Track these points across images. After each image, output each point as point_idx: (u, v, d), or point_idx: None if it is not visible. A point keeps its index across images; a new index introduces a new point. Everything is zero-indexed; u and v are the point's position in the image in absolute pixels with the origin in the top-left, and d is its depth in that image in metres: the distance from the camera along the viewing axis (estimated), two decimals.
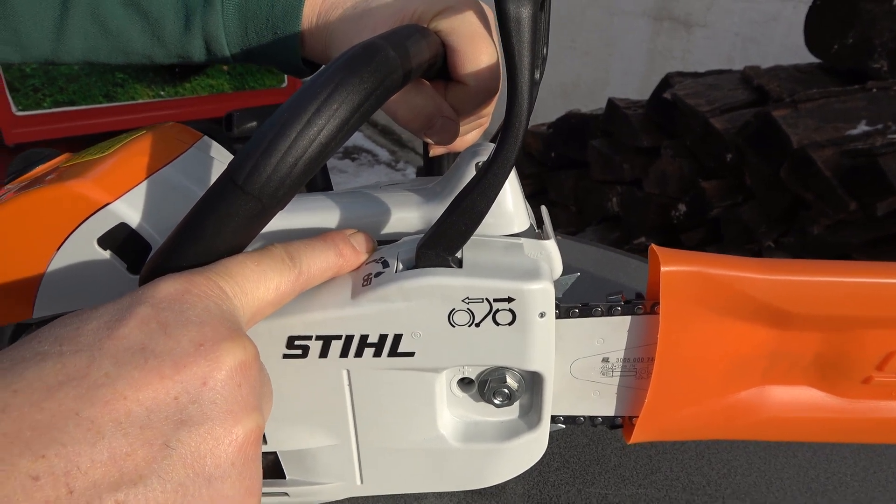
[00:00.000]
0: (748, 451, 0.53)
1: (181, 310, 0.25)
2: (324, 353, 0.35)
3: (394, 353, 0.35)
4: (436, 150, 0.53)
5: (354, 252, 0.35)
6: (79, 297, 0.36)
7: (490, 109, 0.48)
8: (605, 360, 0.40)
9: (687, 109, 2.02)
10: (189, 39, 0.48)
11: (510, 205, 0.38)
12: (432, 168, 0.58)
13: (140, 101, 3.12)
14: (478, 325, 0.34)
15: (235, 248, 0.30)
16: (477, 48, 0.42)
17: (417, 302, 0.34)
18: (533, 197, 2.42)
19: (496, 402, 0.38)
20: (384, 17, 0.43)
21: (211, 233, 0.29)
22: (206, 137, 0.44)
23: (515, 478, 0.43)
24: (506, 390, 0.38)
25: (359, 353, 0.35)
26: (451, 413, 0.40)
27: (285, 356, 0.35)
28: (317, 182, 0.60)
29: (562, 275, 0.40)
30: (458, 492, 0.47)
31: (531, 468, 0.42)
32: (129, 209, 0.35)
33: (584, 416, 0.42)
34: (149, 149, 0.38)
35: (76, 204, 0.34)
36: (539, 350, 0.36)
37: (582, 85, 3.66)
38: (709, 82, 2.14)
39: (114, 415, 0.22)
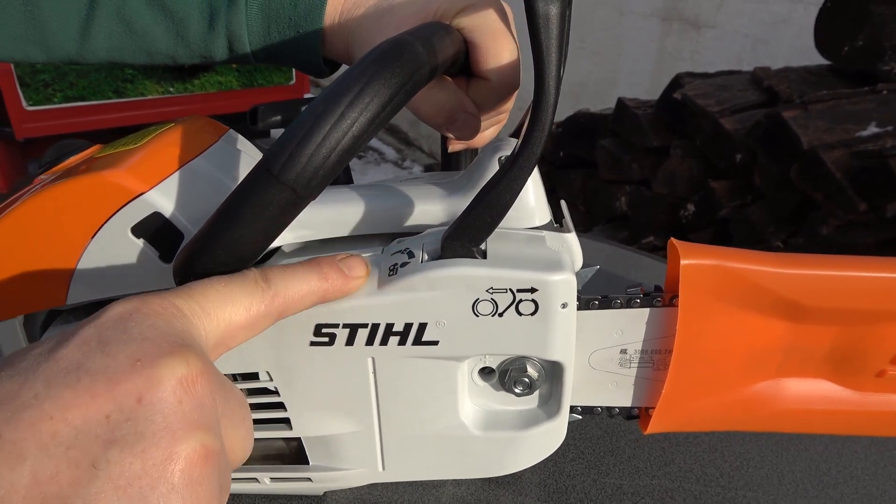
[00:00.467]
0: (760, 443, 0.53)
1: (125, 328, 0.24)
2: (350, 341, 0.36)
3: (418, 341, 0.36)
4: (454, 146, 0.54)
5: (341, 275, 0.33)
6: (112, 284, 0.37)
7: (509, 105, 0.49)
8: (624, 351, 0.40)
9: (697, 110, 2.03)
10: (213, 39, 0.49)
11: (532, 198, 0.39)
12: (450, 164, 0.59)
13: (149, 97, 3.13)
14: (501, 314, 0.35)
15: (269, 237, 0.31)
16: (499, 44, 0.43)
17: (443, 291, 0.35)
18: None
19: (517, 391, 0.39)
20: (407, 15, 0.44)
21: (246, 221, 0.30)
22: (232, 131, 0.45)
23: (531, 468, 0.44)
24: (526, 380, 0.39)
25: (384, 342, 0.36)
26: (473, 402, 0.41)
27: (312, 343, 0.36)
28: (339, 176, 0.61)
29: (581, 267, 0.40)
30: (475, 481, 0.48)
31: (546, 459, 0.43)
32: (163, 198, 0.36)
33: (601, 407, 0.43)
34: (179, 140, 0.39)
35: (111, 193, 0.35)
36: (560, 340, 0.37)
37: (591, 85, 3.66)
38: (719, 83, 2.14)
39: (38, 436, 0.21)
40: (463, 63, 0.44)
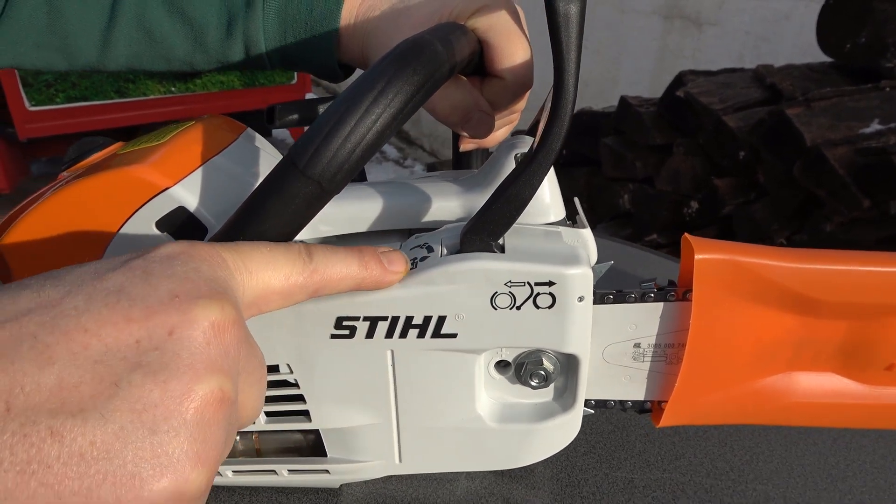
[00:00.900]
0: (770, 437, 0.54)
1: (170, 265, 0.25)
2: (370, 334, 0.37)
3: (437, 334, 0.37)
4: (467, 145, 0.54)
5: (381, 267, 0.33)
6: None
7: (522, 105, 0.50)
8: (637, 345, 0.41)
9: (700, 107, 2.03)
10: (230, 45, 0.49)
11: (548, 195, 0.40)
12: (461, 162, 0.60)
13: (151, 97, 3.14)
14: (519, 307, 0.36)
15: (293, 231, 0.32)
16: (513, 44, 0.43)
17: (462, 285, 0.35)
18: None
19: (532, 384, 0.40)
20: (423, 17, 0.45)
21: (271, 214, 0.30)
22: (249, 129, 0.45)
23: (543, 462, 0.45)
24: (542, 372, 0.39)
25: (403, 334, 0.37)
26: (489, 395, 0.42)
27: (333, 336, 0.37)
28: None
29: (595, 263, 0.41)
30: (488, 475, 0.49)
31: (558, 453, 0.43)
32: (187, 193, 0.37)
33: (614, 401, 0.43)
34: (201, 138, 0.40)
35: (137, 188, 0.36)
36: (576, 333, 0.37)
37: (592, 83, 3.66)
38: (721, 80, 2.15)
39: (70, 345, 0.21)
40: (478, 63, 0.45)
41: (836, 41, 2.03)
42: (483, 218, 0.35)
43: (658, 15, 3.40)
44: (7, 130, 2.97)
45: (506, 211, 0.34)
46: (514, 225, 0.35)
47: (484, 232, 0.35)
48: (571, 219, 0.42)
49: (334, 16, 0.47)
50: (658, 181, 2.20)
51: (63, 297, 0.23)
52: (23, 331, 0.21)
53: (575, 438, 0.43)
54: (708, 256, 0.37)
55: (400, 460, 0.43)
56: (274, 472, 0.44)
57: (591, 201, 2.50)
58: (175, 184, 0.36)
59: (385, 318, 0.36)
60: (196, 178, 0.37)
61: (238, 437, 0.44)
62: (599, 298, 0.40)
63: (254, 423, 0.41)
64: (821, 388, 0.43)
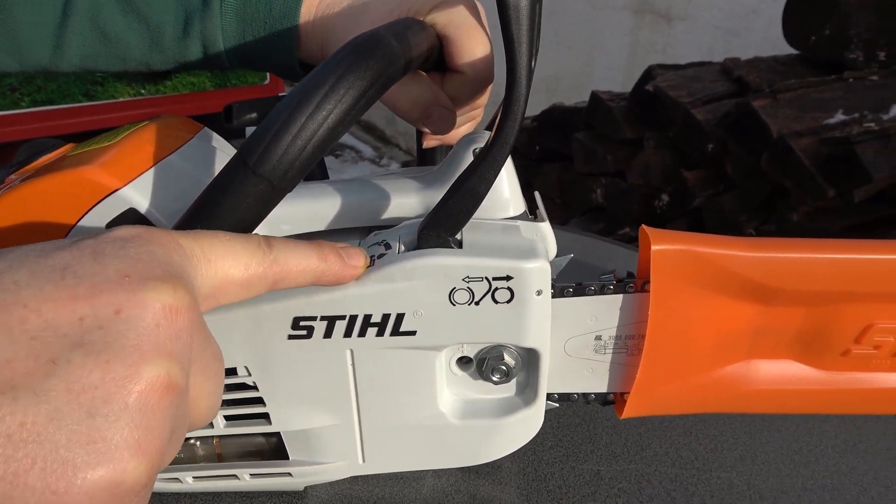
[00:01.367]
0: (734, 426, 0.55)
1: (123, 246, 0.24)
2: (328, 334, 0.36)
3: (396, 332, 0.36)
4: (430, 142, 0.54)
5: (340, 261, 0.33)
6: None
7: (484, 100, 0.50)
8: (598, 337, 0.41)
9: (668, 101, 2.05)
10: (187, 45, 0.48)
11: (506, 189, 0.39)
12: (425, 159, 0.60)
13: (121, 99, 3.08)
14: (477, 303, 0.36)
15: (246, 228, 0.31)
16: (472, 38, 0.43)
17: (420, 281, 0.35)
18: None
19: (494, 379, 0.40)
20: (382, 13, 0.44)
21: (222, 213, 0.30)
22: (206, 129, 0.45)
23: (510, 457, 0.45)
24: (503, 367, 0.39)
25: (362, 333, 0.36)
26: (451, 391, 0.42)
27: (290, 337, 0.37)
28: (314, 172, 0.61)
29: (555, 257, 0.41)
30: (454, 472, 0.49)
31: (525, 447, 0.43)
32: (138, 195, 0.36)
33: (577, 394, 0.44)
34: (154, 138, 0.39)
35: (86, 189, 0.35)
36: (536, 327, 0.37)
37: (565, 78, 3.68)
38: (690, 74, 2.17)
39: (5, 319, 0.20)
40: (437, 58, 0.44)
41: (802, 34, 2.06)
42: (440, 213, 0.35)
43: (629, 10, 3.42)
44: None
45: (462, 206, 0.34)
46: (472, 220, 0.35)
47: (441, 227, 0.35)
48: (533, 213, 0.42)
49: (293, 13, 0.47)
50: (629, 175, 2.21)
51: (3, 272, 0.22)
52: None
53: (541, 432, 0.43)
54: (664, 247, 0.37)
55: (363, 460, 0.42)
56: (236, 476, 0.43)
57: (563, 196, 2.51)
58: (125, 185, 0.35)
59: (343, 318, 0.36)
60: (147, 178, 0.37)
61: (198, 443, 0.43)
62: (559, 292, 0.40)
63: (212, 424, 0.41)
64: (780, 375, 0.43)
